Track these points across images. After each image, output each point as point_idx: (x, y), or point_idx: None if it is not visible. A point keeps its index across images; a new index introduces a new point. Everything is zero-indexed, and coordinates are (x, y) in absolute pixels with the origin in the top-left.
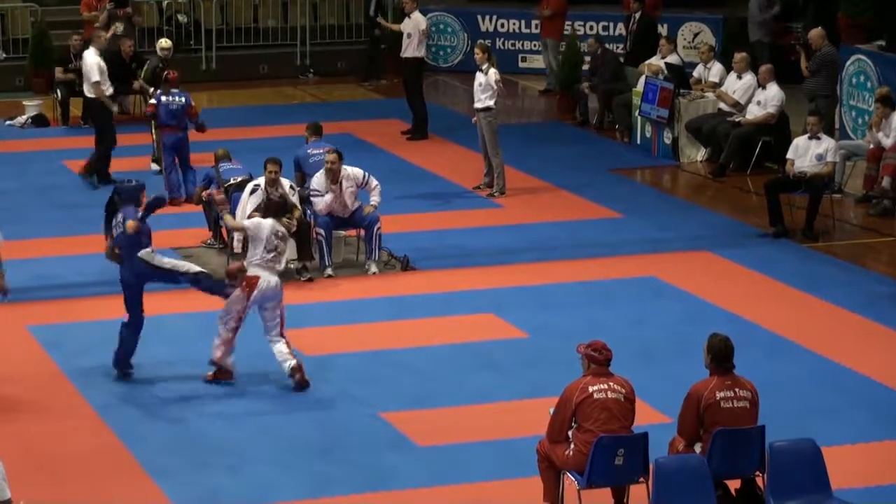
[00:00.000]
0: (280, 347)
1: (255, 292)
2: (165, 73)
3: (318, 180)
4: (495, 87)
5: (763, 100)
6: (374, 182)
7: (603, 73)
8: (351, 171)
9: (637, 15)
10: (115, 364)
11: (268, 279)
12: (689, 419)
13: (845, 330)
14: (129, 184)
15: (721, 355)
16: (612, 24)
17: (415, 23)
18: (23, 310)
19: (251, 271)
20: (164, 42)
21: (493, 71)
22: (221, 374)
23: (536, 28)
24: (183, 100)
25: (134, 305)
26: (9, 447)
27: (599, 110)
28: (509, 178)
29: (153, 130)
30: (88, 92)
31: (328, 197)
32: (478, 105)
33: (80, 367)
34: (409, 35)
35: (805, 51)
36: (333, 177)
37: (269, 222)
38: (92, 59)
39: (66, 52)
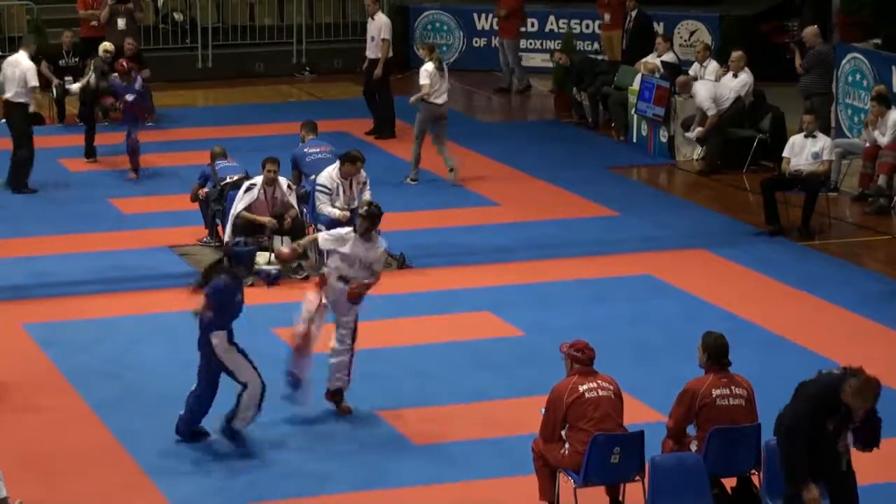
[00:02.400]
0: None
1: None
2: (119, 62)
3: (327, 176)
4: (422, 80)
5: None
6: (367, 189)
7: (583, 77)
8: (364, 175)
9: (633, 13)
10: (176, 429)
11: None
12: (680, 415)
13: (841, 328)
14: (244, 247)
15: (717, 352)
16: None
17: (378, 25)
18: (19, 308)
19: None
20: (108, 45)
21: (424, 66)
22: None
23: (533, 26)
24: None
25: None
26: (5, 446)
27: (591, 110)
28: (506, 176)
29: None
30: (20, 97)
31: (337, 212)
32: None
33: (76, 365)
34: (371, 38)
35: (799, 48)
36: (347, 176)
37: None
38: (28, 64)
39: (59, 48)
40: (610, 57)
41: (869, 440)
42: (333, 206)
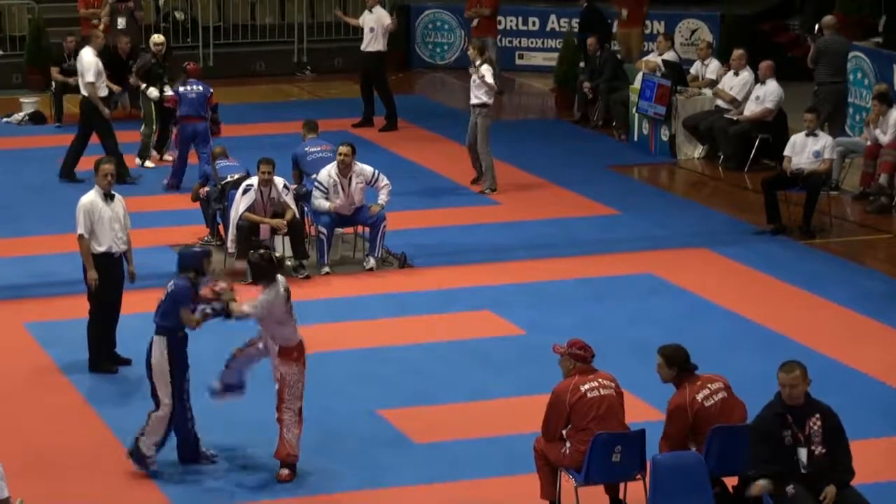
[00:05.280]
0: None
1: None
2: (185, 64)
3: (325, 174)
4: (485, 84)
5: (761, 95)
6: (383, 181)
7: (604, 72)
8: (361, 168)
9: (584, 5)
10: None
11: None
12: (679, 431)
13: (842, 326)
14: (192, 249)
15: (683, 360)
16: (609, 22)
17: (377, 17)
18: (20, 307)
19: (291, 341)
20: (157, 37)
21: (484, 67)
22: (293, 469)
23: (534, 25)
24: (200, 88)
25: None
26: (6, 445)
27: (602, 109)
28: (507, 175)
29: (147, 124)
30: (83, 90)
31: (338, 202)
32: (474, 101)
33: (77, 364)
34: (371, 29)
35: (813, 39)
36: (344, 170)
37: (278, 292)
38: (89, 59)
39: (61, 52)
40: (625, 54)
41: (845, 478)
42: (326, 201)
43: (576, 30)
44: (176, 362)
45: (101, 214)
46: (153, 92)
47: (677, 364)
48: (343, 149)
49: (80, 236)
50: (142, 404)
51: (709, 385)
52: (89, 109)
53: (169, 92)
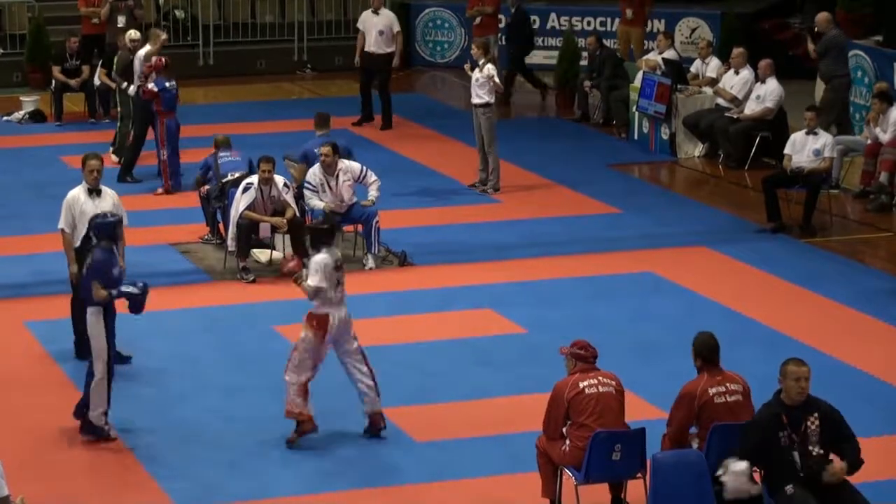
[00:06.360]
0: (368, 383)
1: (328, 334)
2: (161, 59)
3: (312, 173)
4: (490, 83)
5: (762, 94)
6: (372, 177)
7: (604, 71)
8: (348, 165)
9: (513, 9)
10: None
11: (337, 315)
12: (681, 418)
13: (843, 325)
14: (106, 218)
15: (708, 352)
16: (609, 20)
17: (387, 19)
18: (20, 305)
19: (319, 310)
20: (133, 33)
21: (489, 66)
22: (305, 428)
23: (534, 23)
24: (175, 84)
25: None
26: (6, 443)
27: (604, 107)
28: (508, 174)
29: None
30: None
31: (327, 201)
32: (476, 101)
33: (77, 362)
34: (380, 32)
35: (811, 35)
36: (329, 169)
37: (328, 260)
38: (141, 53)
39: (63, 52)
40: (622, 53)
41: (852, 460)
42: (319, 200)
43: (577, 28)
44: (110, 331)
45: (83, 209)
46: (133, 89)
47: (699, 353)
48: (324, 149)
49: (62, 230)
50: (142, 402)
51: (727, 383)
52: (140, 107)
53: (151, 85)
